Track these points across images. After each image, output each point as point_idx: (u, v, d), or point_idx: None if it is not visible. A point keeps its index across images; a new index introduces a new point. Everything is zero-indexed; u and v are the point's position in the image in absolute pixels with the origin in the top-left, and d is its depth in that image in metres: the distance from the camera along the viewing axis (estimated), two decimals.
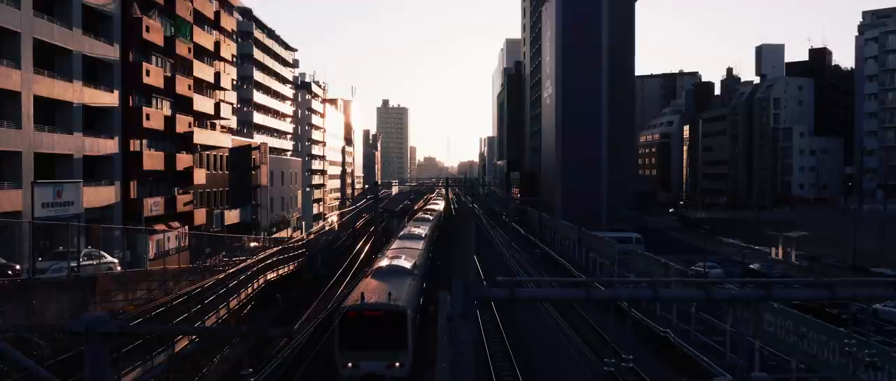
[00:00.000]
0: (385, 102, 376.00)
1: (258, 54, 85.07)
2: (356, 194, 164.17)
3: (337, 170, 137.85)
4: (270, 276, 38.51)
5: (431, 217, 58.59)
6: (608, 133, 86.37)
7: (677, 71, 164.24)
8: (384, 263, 23.82)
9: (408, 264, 23.23)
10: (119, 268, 27.93)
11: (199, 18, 58.99)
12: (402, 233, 41.03)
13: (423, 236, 37.76)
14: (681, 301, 27.36)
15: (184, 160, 53.26)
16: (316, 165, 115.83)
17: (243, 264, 34.61)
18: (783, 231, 52.43)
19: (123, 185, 45.40)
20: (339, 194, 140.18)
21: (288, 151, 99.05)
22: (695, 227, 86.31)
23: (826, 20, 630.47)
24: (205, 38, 59.95)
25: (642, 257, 41.68)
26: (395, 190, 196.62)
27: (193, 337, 22.14)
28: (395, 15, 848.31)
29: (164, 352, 20.30)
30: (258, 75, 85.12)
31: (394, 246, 31.44)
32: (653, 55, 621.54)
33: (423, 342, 24.02)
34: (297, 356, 26.88)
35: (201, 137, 57.37)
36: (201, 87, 59.37)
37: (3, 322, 16.83)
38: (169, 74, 52.29)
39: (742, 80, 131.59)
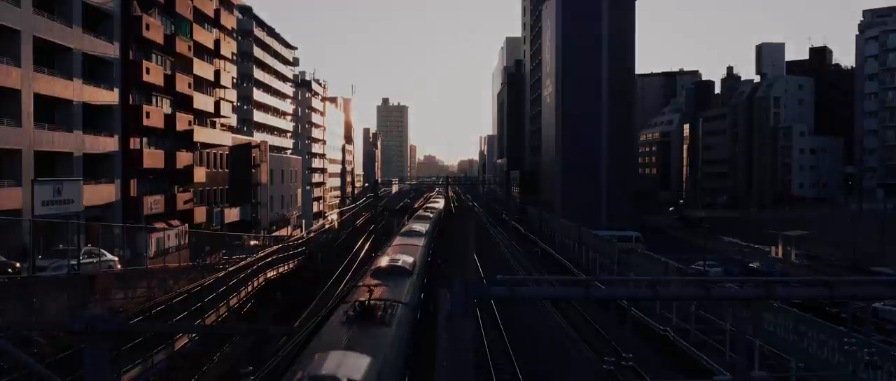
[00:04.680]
0: (385, 101, 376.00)
1: (258, 52, 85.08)
2: (356, 192, 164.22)
3: (337, 168, 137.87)
4: (270, 274, 38.52)
5: (431, 216, 58.48)
6: (608, 132, 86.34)
7: (677, 70, 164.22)
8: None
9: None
10: (119, 266, 27.92)
11: (199, 16, 58.99)
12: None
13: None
14: (681, 300, 27.33)
15: (184, 158, 53.26)
16: (316, 163, 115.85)
17: (244, 263, 34.61)
18: (783, 230, 52.42)
19: (123, 183, 45.41)
20: (339, 193, 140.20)
21: (288, 149, 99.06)
22: (695, 226, 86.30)
23: (826, 19, 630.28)
24: (205, 36, 59.94)
25: (642, 255, 41.67)
26: (395, 189, 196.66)
27: (193, 335, 22.15)
28: (395, 13, 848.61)
29: (163, 350, 20.31)
30: (258, 73, 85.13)
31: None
32: (653, 54, 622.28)
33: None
34: (297, 355, 26.84)
35: (201, 135, 57.37)
36: (201, 85, 59.37)
37: (4, 320, 16.82)
38: (169, 72, 52.29)
39: (742, 79, 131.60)
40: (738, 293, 8.22)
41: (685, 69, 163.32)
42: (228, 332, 25.90)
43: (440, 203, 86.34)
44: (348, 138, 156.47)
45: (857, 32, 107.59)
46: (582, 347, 28.61)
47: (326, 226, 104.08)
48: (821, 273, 43.11)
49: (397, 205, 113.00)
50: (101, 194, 42.08)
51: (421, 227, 41.83)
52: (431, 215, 58.66)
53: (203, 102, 58.39)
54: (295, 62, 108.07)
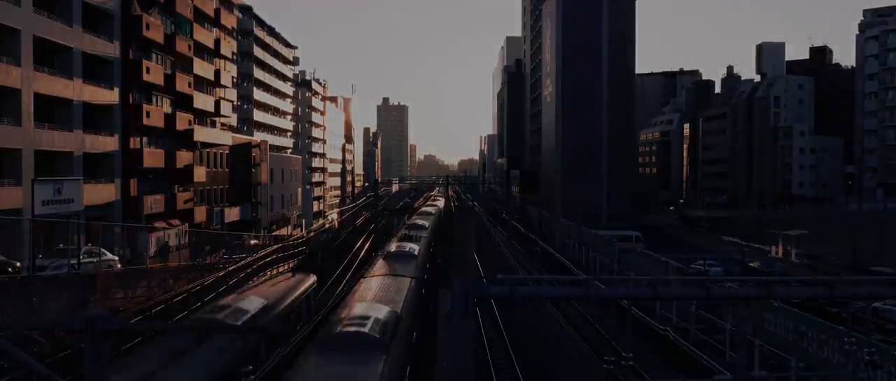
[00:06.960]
0: (385, 100, 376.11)
1: (258, 52, 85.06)
2: (356, 191, 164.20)
3: (337, 168, 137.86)
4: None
5: (432, 214, 58.16)
6: (608, 131, 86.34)
7: (678, 69, 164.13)
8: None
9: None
10: (119, 266, 27.93)
11: (200, 16, 58.97)
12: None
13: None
14: (681, 300, 27.34)
15: (184, 158, 53.24)
16: (316, 162, 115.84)
17: (244, 262, 34.63)
18: (783, 230, 52.39)
19: (123, 182, 45.41)
20: (339, 192, 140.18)
21: (288, 148, 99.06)
22: (695, 225, 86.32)
23: (826, 19, 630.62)
24: (205, 36, 59.92)
25: (642, 255, 41.68)
26: (395, 188, 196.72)
27: None
28: (395, 13, 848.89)
29: None
30: (258, 73, 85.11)
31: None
32: (653, 53, 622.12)
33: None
34: (297, 354, 26.81)
35: (201, 134, 57.37)
36: (201, 84, 59.37)
37: (4, 320, 16.83)
38: (169, 72, 52.29)
39: (742, 78, 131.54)
40: (738, 293, 8.22)
41: (685, 69, 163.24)
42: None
43: (440, 203, 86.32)
44: (348, 138, 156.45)
45: (858, 32, 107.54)
46: (582, 347, 28.59)
47: (326, 225, 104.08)
48: (821, 273, 43.11)
49: (397, 205, 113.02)
50: (101, 193, 42.07)
51: (420, 230, 39.31)
52: (432, 214, 57.29)
53: (203, 101, 58.37)
54: (295, 61, 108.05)
